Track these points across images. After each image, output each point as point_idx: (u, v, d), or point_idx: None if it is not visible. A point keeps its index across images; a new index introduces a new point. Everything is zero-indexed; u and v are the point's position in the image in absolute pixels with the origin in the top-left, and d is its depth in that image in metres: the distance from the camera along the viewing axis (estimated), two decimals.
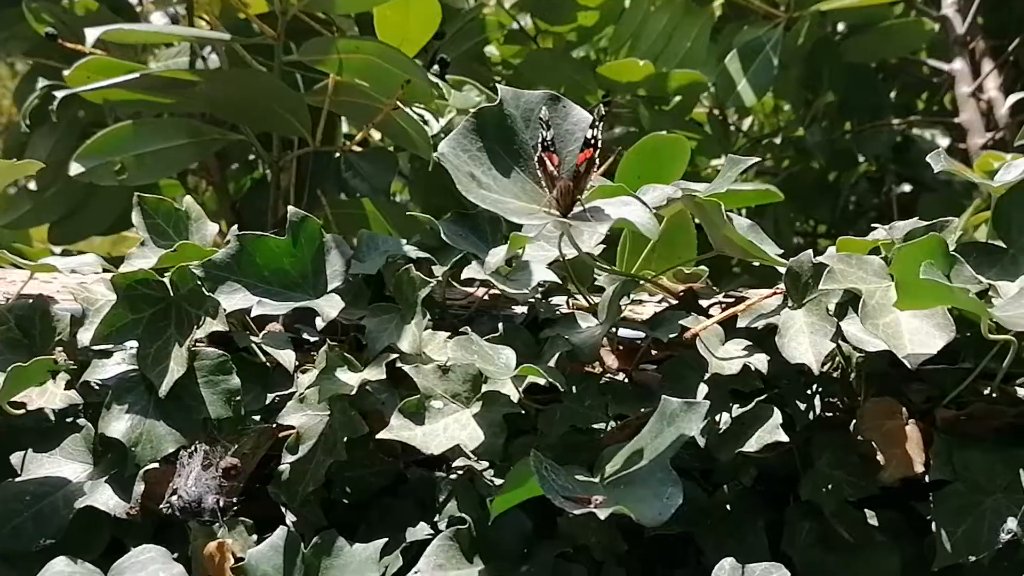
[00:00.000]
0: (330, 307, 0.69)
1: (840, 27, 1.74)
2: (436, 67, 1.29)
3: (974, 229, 1.34)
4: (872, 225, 0.74)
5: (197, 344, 0.72)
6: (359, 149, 1.25)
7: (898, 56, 1.77)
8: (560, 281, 0.75)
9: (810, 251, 0.68)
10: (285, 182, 1.32)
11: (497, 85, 0.67)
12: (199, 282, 0.68)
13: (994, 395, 0.68)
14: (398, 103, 1.06)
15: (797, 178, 1.71)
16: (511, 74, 1.52)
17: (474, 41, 1.46)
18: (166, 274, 0.70)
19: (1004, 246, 0.67)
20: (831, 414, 0.71)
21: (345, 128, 1.40)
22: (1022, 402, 0.68)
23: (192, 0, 1.18)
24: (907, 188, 1.84)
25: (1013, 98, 1.01)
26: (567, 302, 0.77)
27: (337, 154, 1.20)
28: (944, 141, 1.73)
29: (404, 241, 0.78)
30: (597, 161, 0.64)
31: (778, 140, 1.76)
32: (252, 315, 0.69)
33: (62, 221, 1.38)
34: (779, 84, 1.61)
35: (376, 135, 1.32)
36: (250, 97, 1.10)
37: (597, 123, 0.64)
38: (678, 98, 1.54)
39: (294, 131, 1.15)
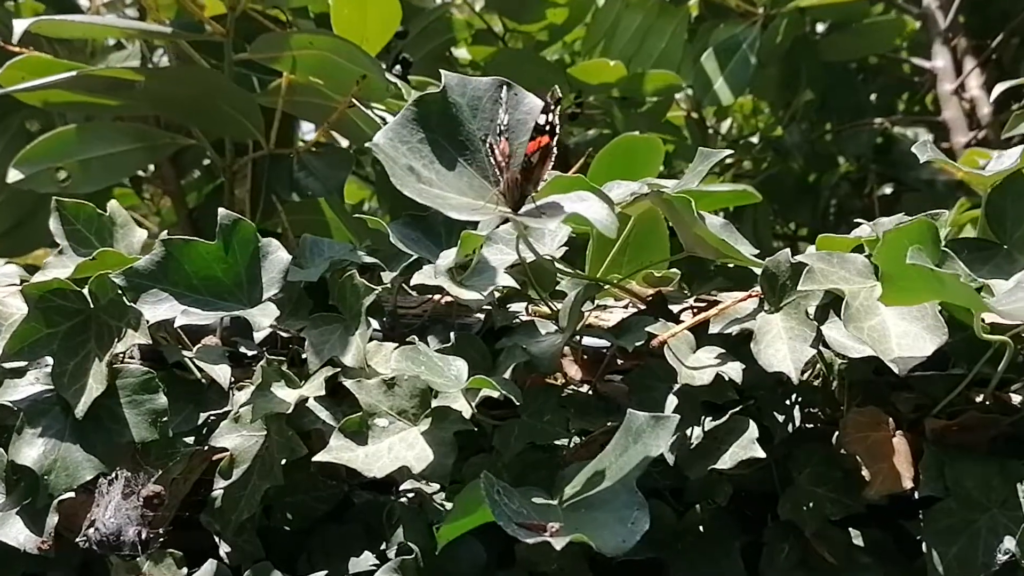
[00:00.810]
0: (264, 317, 0.63)
1: (819, 26, 1.69)
2: (398, 67, 1.24)
3: (959, 229, 1.30)
4: (856, 221, 0.69)
5: (123, 360, 0.66)
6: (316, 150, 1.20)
7: (878, 54, 1.73)
8: (519, 286, 0.69)
9: (787, 250, 0.63)
10: (241, 188, 1.27)
11: (443, 71, 0.61)
12: (120, 291, 0.62)
13: (987, 403, 0.63)
14: (354, 101, 1.01)
15: (776, 180, 1.66)
16: (479, 75, 1.47)
17: (439, 41, 1.41)
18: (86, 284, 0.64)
19: (997, 241, 0.61)
20: (812, 425, 0.66)
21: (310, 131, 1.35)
22: (1017, 410, 0.63)
23: (144, 2, 1.12)
24: (889, 190, 1.80)
25: (999, 88, 0.96)
26: (527, 309, 0.72)
27: (291, 156, 1.14)
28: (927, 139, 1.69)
29: (352, 246, 0.73)
30: (554, 150, 0.58)
31: (756, 140, 1.71)
32: (177, 325, 0.63)
33: (9, 232, 1.32)
34: (757, 84, 1.57)
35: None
36: (197, 97, 1.04)
37: (552, 107, 0.58)
38: (653, 99, 1.49)
39: (246, 133, 1.09)
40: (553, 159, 0.59)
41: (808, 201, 1.69)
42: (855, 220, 0.70)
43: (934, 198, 1.58)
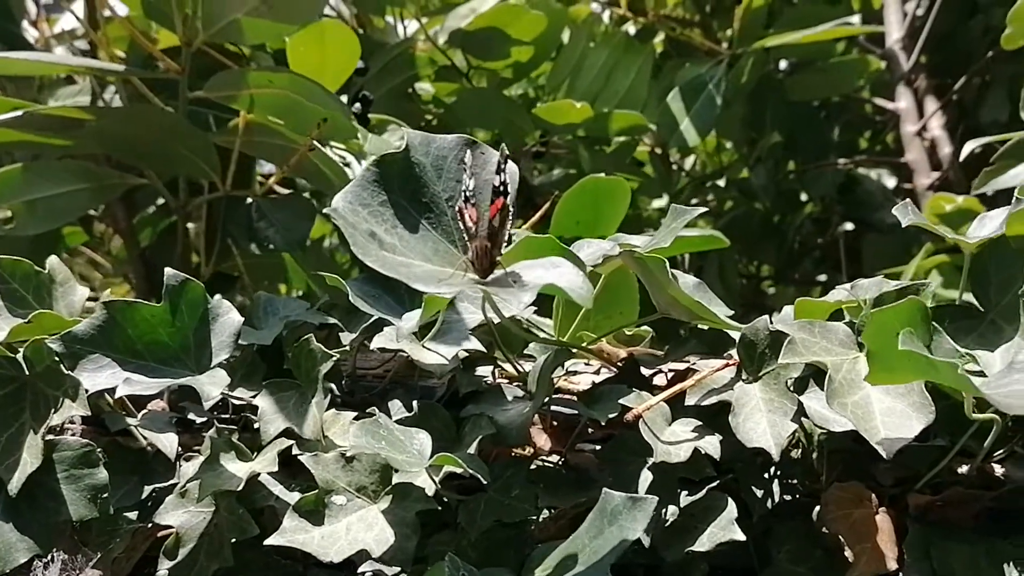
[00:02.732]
0: (213, 385, 0.59)
1: (782, 63, 1.69)
2: (358, 105, 1.20)
3: (926, 274, 1.29)
4: (822, 279, 0.66)
5: (62, 430, 0.61)
6: (278, 191, 1.16)
7: (841, 94, 1.73)
8: (485, 349, 0.66)
9: (766, 317, 0.60)
10: (194, 230, 1.22)
11: (406, 130, 0.58)
12: (56, 359, 0.58)
13: (971, 476, 0.60)
14: (315, 143, 0.97)
15: (741, 220, 1.65)
16: (443, 113, 1.44)
17: (402, 77, 1.38)
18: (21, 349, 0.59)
19: (982, 309, 0.59)
20: (791, 497, 0.63)
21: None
22: (1001, 483, 0.61)
23: (95, 38, 1.08)
24: (850, 227, 1.79)
25: (970, 145, 0.95)
26: (493, 373, 0.68)
27: (249, 200, 1.10)
28: (891, 181, 1.69)
29: (309, 304, 0.69)
30: (511, 209, 0.55)
31: (722, 183, 1.70)
32: (118, 395, 0.59)
33: None
34: (722, 123, 1.56)
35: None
36: (149, 136, 1.00)
37: (503, 166, 0.55)
38: (620, 139, 1.47)
39: (200, 173, 1.05)
40: (511, 218, 0.56)
41: (773, 241, 1.68)
42: (818, 274, 0.68)
43: (899, 240, 1.58)
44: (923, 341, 0.51)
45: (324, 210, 0.54)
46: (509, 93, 1.53)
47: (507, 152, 0.56)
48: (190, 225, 1.23)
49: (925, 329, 0.52)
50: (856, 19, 1.55)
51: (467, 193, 0.55)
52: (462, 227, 0.56)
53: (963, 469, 0.61)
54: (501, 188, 0.55)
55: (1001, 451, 0.62)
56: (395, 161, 0.56)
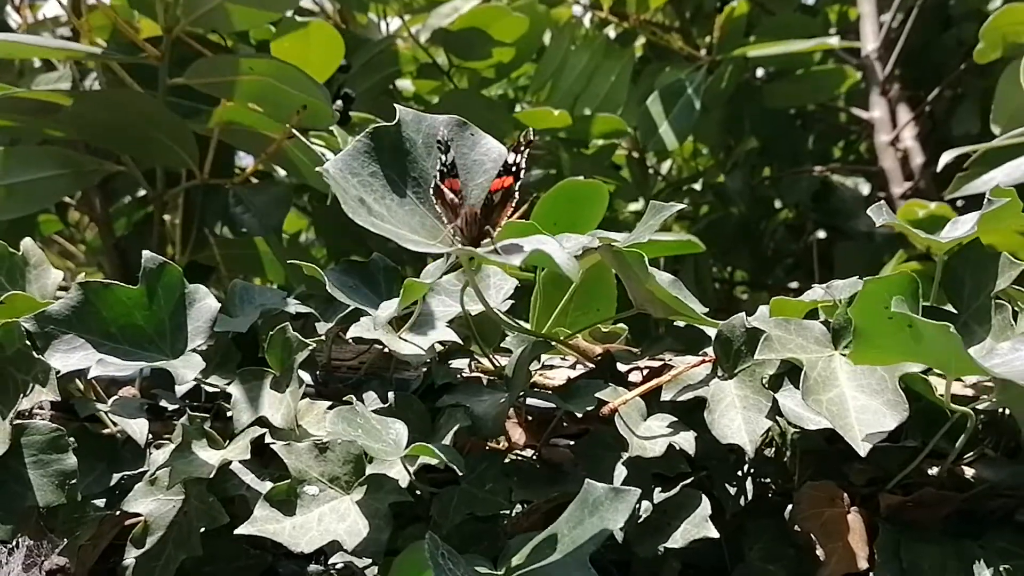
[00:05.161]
0: (188, 369, 0.58)
1: (760, 72, 1.71)
2: (340, 103, 1.20)
3: None
4: (794, 285, 0.67)
5: (31, 415, 0.61)
6: (255, 181, 1.15)
7: (817, 103, 1.75)
8: (461, 341, 0.66)
9: (742, 314, 0.61)
10: (171, 220, 1.21)
11: (397, 106, 0.58)
12: (28, 342, 0.57)
13: (942, 476, 0.61)
14: (294, 131, 0.96)
15: (717, 224, 1.66)
16: (425, 111, 1.44)
17: (383, 74, 1.37)
18: None
19: (954, 311, 0.60)
20: (763, 495, 0.63)
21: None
22: (971, 484, 0.61)
23: (78, 25, 1.07)
24: (823, 234, 1.81)
25: (946, 156, 0.96)
26: (470, 365, 0.68)
27: (227, 187, 1.09)
28: (865, 189, 1.71)
29: (285, 293, 0.69)
30: (516, 193, 0.55)
31: (699, 187, 1.71)
32: (91, 376, 0.58)
33: None
34: (700, 128, 1.57)
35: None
36: (127, 123, 0.99)
37: (523, 148, 0.55)
38: (599, 142, 1.48)
39: (179, 162, 1.04)
40: (515, 203, 0.56)
41: (748, 246, 1.69)
42: (790, 277, 0.68)
43: (871, 248, 1.59)
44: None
45: (316, 168, 0.54)
46: (490, 93, 1.54)
47: (531, 136, 0.56)
48: (167, 216, 1.21)
49: (915, 304, 0.52)
50: (835, 39, 1.56)
51: (444, 168, 0.55)
52: (440, 204, 0.56)
53: (934, 470, 0.61)
54: (513, 168, 0.55)
55: (972, 453, 0.63)
56: (387, 134, 0.56)
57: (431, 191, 0.56)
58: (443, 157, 0.55)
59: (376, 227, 0.52)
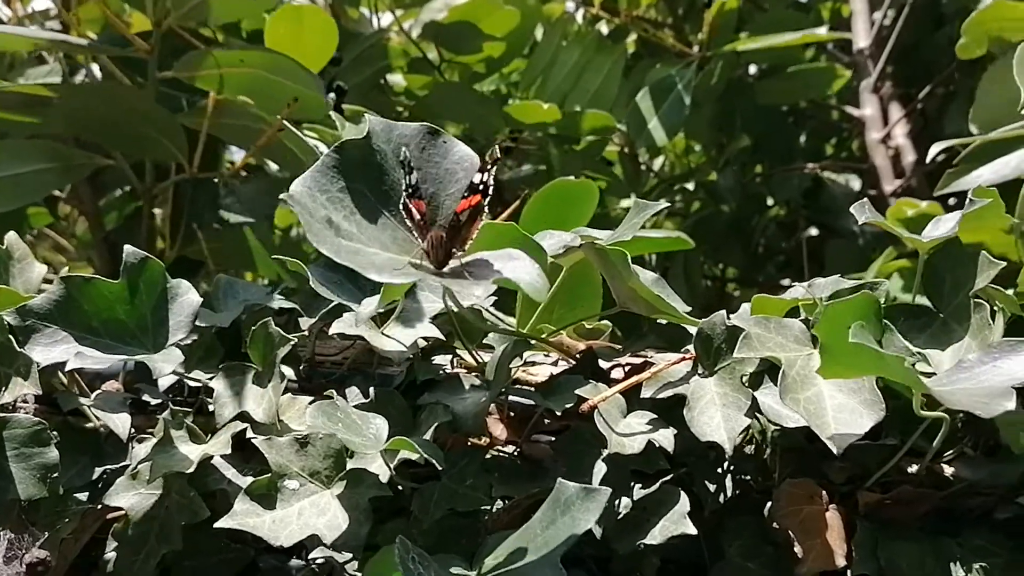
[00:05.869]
0: (166, 363, 0.58)
1: (752, 69, 1.71)
2: (332, 95, 1.20)
3: (888, 278, 1.31)
4: (785, 283, 0.67)
5: (14, 408, 0.61)
6: (244, 174, 1.15)
7: (809, 100, 1.75)
8: (444, 337, 0.66)
9: (723, 312, 0.61)
10: (160, 215, 1.21)
11: (368, 115, 0.58)
12: (10, 335, 0.57)
13: (920, 474, 0.61)
14: (285, 123, 0.96)
15: (707, 221, 1.66)
16: (415, 105, 1.44)
17: (374, 68, 1.37)
18: None
19: (935, 309, 0.60)
20: (742, 493, 0.63)
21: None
22: (950, 483, 0.62)
23: (67, 18, 1.06)
24: (814, 232, 1.81)
25: (936, 148, 0.96)
26: (452, 361, 0.68)
27: (216, 180, 1.09)
28: (857, 186, 1.71)
29: (269, 289, 0.69)
30: (485, 210, 0.55)
31: (691, 186, 1.71)
32: (69, 368, 0.58)
33: None
34: (691, 124, 1.57)
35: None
36: (116, 116, 0.99)
37: (489, 167, 0.55)
38: (590, 138, 1.48)
39: (168, 155, 1.04)
40: (483, 219, 0.55)
41: (738, 243, 1.69)
42: (782, 277, 0.69)
43: (861, 246, 1.59)
44: (875, 336, 0.51)
45: (281, 195, 0.54)
46: (481, 88, 1.54)
47: (497, 155, 0.55)
48: (156, 211, 1.21)
49: (877, 324, 0.53)
50: (823, 30, 1.56)
51: (408, 190, 0.54)
52: (410, 223, 0.55)
53: (913, 468, 0.62)
54: (480, 187, 0.55)
55: (950, 451, 0.63)
56: (356, 147, 0.56)
57: (401, 210, 0.56)
58: (407, 179, 0.55)
59: (340, 254, 0.51)
